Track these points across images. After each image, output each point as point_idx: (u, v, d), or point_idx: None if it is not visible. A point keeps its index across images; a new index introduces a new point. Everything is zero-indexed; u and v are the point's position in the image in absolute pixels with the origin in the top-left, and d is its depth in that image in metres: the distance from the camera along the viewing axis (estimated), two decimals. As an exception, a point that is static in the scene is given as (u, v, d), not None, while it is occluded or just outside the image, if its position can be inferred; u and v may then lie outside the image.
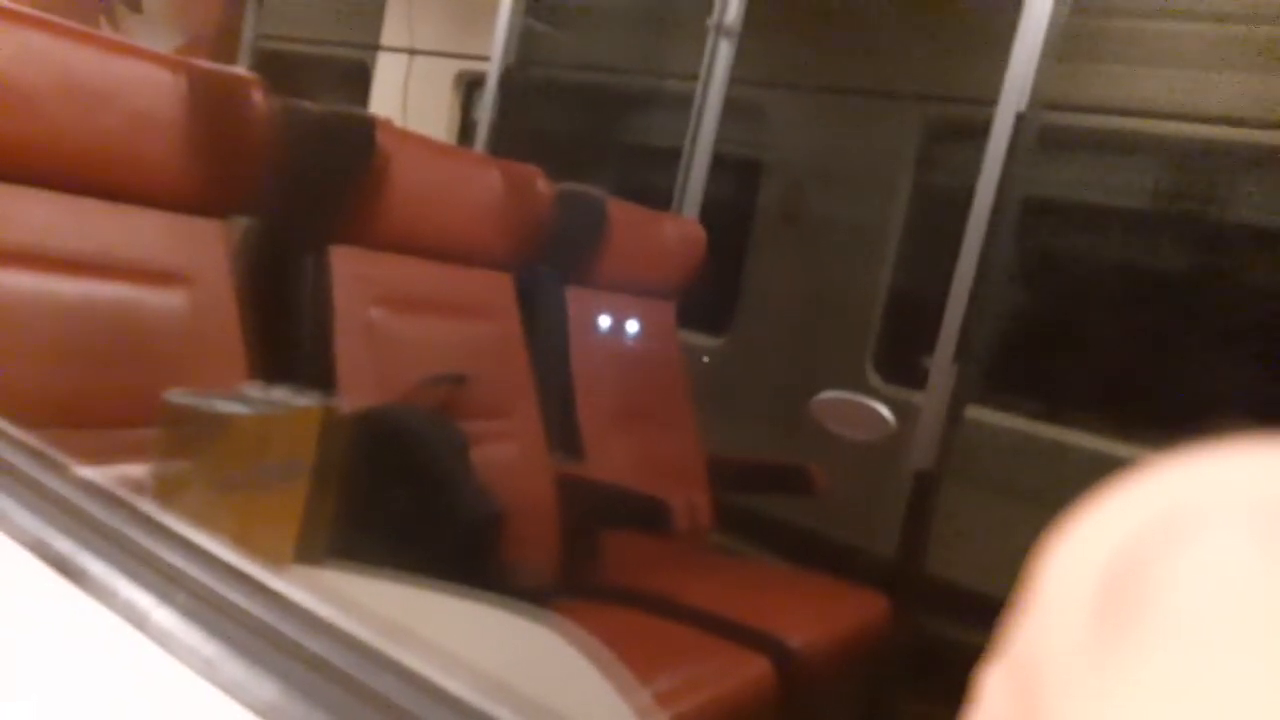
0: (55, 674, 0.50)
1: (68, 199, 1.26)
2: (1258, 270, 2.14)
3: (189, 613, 0.49)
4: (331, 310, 1.54)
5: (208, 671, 0.46)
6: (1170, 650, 0.13)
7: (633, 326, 2.16)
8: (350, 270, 1.58)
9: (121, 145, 1.30)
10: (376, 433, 1.41)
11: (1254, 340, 2.02)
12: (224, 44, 3.16)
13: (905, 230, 2.49)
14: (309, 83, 3.56)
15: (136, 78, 1.32)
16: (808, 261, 2.63)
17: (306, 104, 1.61)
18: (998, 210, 1.90)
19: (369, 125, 1.59)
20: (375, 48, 3.45)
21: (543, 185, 1.91)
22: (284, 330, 1.51)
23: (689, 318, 2.35)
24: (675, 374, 2.25)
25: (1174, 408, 2.04)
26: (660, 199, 2.51)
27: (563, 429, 1.91)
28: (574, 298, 2.01)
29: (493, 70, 2.75)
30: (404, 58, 3.39)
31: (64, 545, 0.55)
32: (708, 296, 2.42)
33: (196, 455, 0.87)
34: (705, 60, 2.51)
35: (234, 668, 0.45)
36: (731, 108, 2.52)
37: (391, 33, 3.44)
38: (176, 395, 0.89)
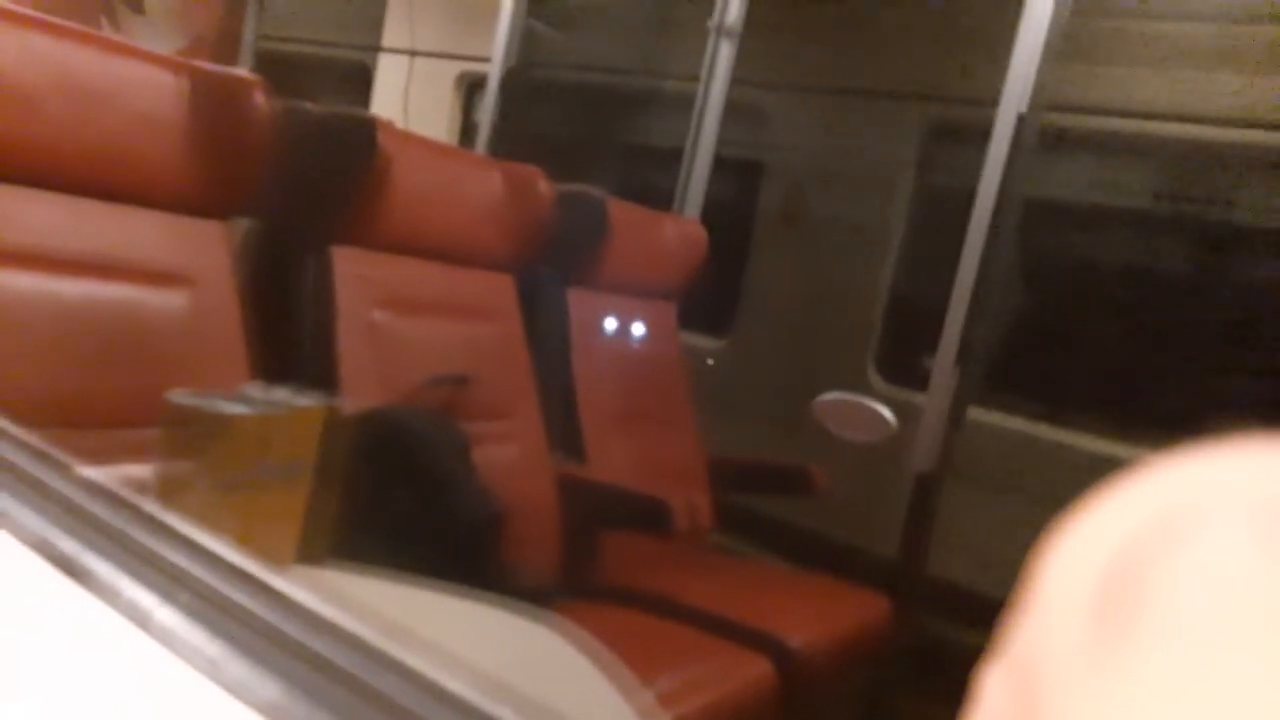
0: (59, 673, 0.50)
1: (71, 200, 1.26)
2: (1258, 271, 2.14)
3: (192, 612, 0.49)
4: (333, 311, 1.54)
5: (211, 671, 0.46)
6: (1170, 650, 0.13)
7: (634, 327, 2.16)
8: (352, 271, 1.58)
9: (124, 146, 1.30)
10: (378, 433, 1.42)
11: (1254, 340, 2.02)
12: (225, 45, 3.16)
13: (906, 231, 2.49)
14: (310, 84, 3.56)
15: (138, 79, 1.32)
16: (809, 262, 2.63)
17: (308, 105, 1.61)
18: (999, 211, 1.90)
19: (370, 127, 1.59)
20: (377, 49, 3.45)
21: (544, 186, 1.91)
22: (286, 331, 1.52)
23: (690, 319, 2.35)
24: (676, 375, 2.25)
25: (1174, 408, 2.04)
26: (661, 200, 2.51)
27: (564, 430, 1.91)
28: (575, 299, 2.01)
29: (494, 72, 2.75)
30: (405, 59, 3.39)
31: (68, 545, 0.55)
32: (709, 297, 2.42)
33: (199, 455, 0.87)
34: (706, 61, 2.51)
35: (236, 667, 0.45)
36: (733, 109, 2.52)
37: (393, 34, 3.44)
38: (179, 396, 0.89)
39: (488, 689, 0.42)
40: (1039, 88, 1.88)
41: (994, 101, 1.91)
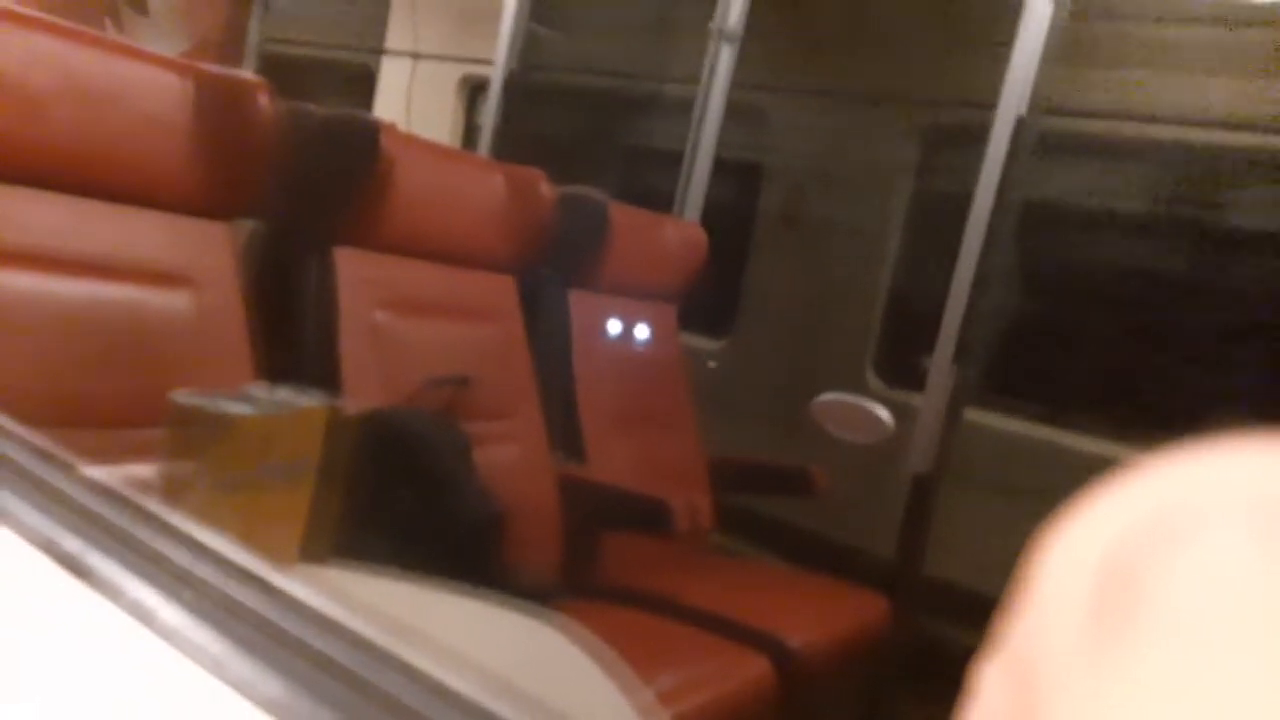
0: (64, 671, 0.50)
1: (75, 201, 1.26)
2: (1258, 271, 2.14)
3: (196, 611, 0.49)
4: (336, 312, 1.54)
5: (215, 669, 0.46)
6: (1167, 648, 0.13)
7: (635, 329, 2.17)
8: (355, 272, 1.58)
9: (128, 148, 1.31)
10: (380, 434, 1.42)
11: (1254, 341, 2.02)
12: (230, 47, 3.16)
13: (905, 233, 2.49)
14: (314, 87, 3.56)
15: (142, 81, 1.33)
16: (808, 264, 2.63)
17: (311, 108, 1.61)
18: (997, 213, 1.90)
19: (373, 129, 1.59)
20: (380, 52, 3.45)
21: (545, 189, 1.91)
22: (289, 332, 1.52)
23: (691, 320, 2.35)
24: (677, 376, 2.25)
25: (1174, 409, 2.04)
26: (662, 202, 2.51)
27: (565, 431, 1.91)
28: (576, 300, 2.01)
29: (496, 74, 2.75)
30: (408, 62, 3.39)
31: (72, 544, 0.56)
32: (709, 299, 2.42)
33: (203, 455, 0.87)
34: (707, 64, 2.52)
35: (241, 665, 0.46)
36: (733, 111, 2.52)
37: (396, 37, 3.44)
38: (183, 396, 0.89)
39: (490, 687, 0.42)
40: (1038, 91, 1.88)
41: (992, 104, 1.91)
